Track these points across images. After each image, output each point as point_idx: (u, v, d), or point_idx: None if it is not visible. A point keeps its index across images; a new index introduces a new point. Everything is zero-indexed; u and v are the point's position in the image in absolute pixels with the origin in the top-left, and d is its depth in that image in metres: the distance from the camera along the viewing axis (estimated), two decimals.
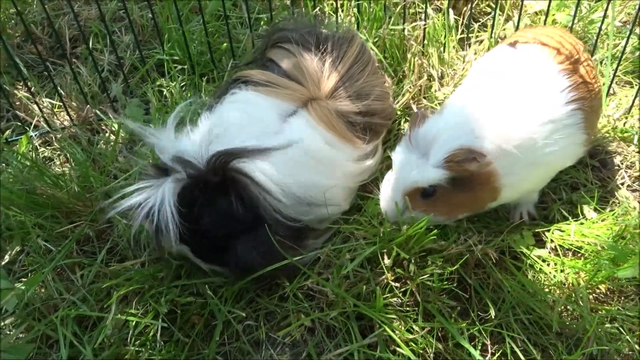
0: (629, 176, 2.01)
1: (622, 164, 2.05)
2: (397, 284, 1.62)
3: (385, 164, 1.98)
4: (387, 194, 1.72)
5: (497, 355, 1.60)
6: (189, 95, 2.33)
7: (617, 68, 2.25)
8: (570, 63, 1.80)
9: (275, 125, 1.74)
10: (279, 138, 1.69)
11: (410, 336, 1.51)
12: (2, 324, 1.72)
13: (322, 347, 1.63)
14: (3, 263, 1.86)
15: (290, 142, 1.64)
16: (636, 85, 2.30)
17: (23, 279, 1.84)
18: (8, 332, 1.71)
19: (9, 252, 1.88)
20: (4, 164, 2.16)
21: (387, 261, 1.60)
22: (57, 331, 1.62)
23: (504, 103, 1.72)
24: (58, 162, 2.25)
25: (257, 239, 1.61)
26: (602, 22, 2.26)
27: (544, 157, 1.69)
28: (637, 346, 1.56)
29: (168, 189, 1.52)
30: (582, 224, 1.79)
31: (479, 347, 1.59)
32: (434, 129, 1.66)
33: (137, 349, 1.58)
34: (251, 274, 1.65)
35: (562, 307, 1.63)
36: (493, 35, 2.43)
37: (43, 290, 1.78)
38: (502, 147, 1.64)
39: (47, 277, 1.75)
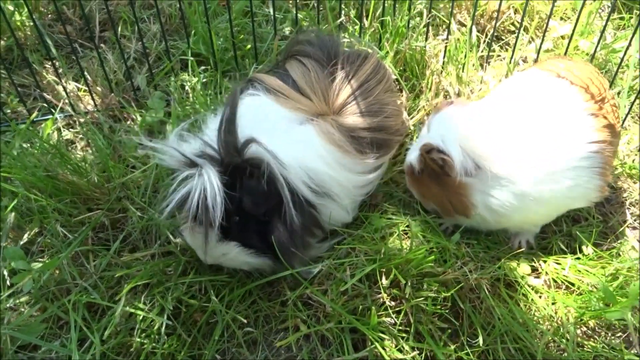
0: (631, 214, 2.05)
1: (626, 200, 2.09)
2: (393, 303, 1.69)
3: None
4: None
5: None
6: (210, 91, 2.40)
7: (634, 102, 2.27)
8: (596, 103, 1.80)
9: (284, 128, 1.81)
10: (287, 138, 1.76)
11: (400, 355, 1.59)
12: (17, 301, 1.83)
13: (315, 354, 1.71)
14: (21, 243, 1.96)
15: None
16: None
17: (40, 260, 1.93)
18: (22, 310, 1.81)
19: (28, 233, 1.98)
20: (28, 145, 2.25)
21: (384, 281, 1.67)
22: (68, 314, 1.72)
23: (516, 128, 1.77)
24: (79, 147, 2.34)
25: (279, 222, 1.66)
26: (625, 53, 2.28)
27: (543, 193, 1.74)
28: None
29: (209, 171, 1.55)
30: (578, 259, 1.85)
31: None
32: (438, 121, 1.84)
33: (141, 340, 1.67)
34: (285, 257, 1.68)
35: (550, 339, 1.69)
36: (512, 60, 2.46)
37: (57, 272, 1.87)
38: (482, 165, 1.72)
39: (62, 262, 1.85)
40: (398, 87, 2.39)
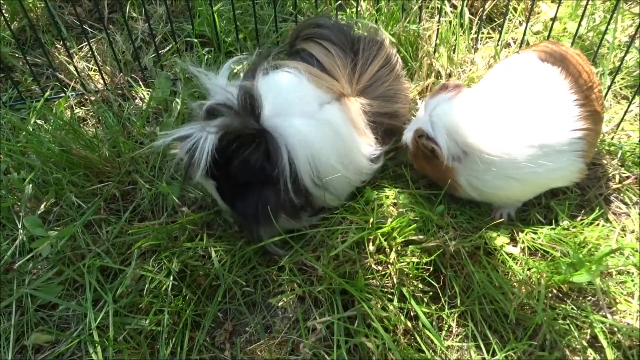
0: (607, 188, 2.18)
1: (603, 175, 2.22)
2: (380, 267, 1.85)
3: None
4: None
5: (460, 336, 1.83)
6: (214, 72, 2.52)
7: (612, 81, 2.38)
8: (584, 91, 1.90)
9: (315, 105, 1.89)
10: (316, 116, 1.86)
11: (384, 314, 1.74)
12: (37, 265, 1.99)
13: (309, 314, 1.87)
14: (39, 212, 2.12)
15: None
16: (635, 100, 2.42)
17: (56, 228, 2.09)
18: (41, 273, 1.98)
19: (45, 203, 2.13)
20: (42, 121, 2.40)
21: (371, 247, 1.82)
22: (83, 277, 1.89)
23: (504, 114, 1.87)
24: (91, 123, 2.49)
25: (264, 193, 1.80)
26: (604, 35, 2.39)
27: (525, 175, 1.86)
28: (584, 342, 1.78)
29: (211, 131, 1.68)
30: (553, 229, 1.99)
31: (446, 329, 1.83)
32: (432, 105, 1.94)
33: (150, 300, 1.83)
34: (249, 224, 1.87)
35: (524, 301, 1.84)
36: (500, 42, 2.56)
37: (73, 239, 2.03)
38: (469, 151, 1.84)
39: (77, 230, 2.01)
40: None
